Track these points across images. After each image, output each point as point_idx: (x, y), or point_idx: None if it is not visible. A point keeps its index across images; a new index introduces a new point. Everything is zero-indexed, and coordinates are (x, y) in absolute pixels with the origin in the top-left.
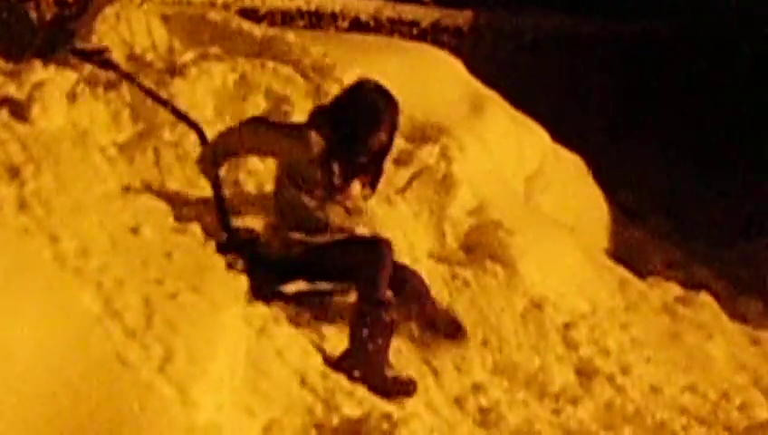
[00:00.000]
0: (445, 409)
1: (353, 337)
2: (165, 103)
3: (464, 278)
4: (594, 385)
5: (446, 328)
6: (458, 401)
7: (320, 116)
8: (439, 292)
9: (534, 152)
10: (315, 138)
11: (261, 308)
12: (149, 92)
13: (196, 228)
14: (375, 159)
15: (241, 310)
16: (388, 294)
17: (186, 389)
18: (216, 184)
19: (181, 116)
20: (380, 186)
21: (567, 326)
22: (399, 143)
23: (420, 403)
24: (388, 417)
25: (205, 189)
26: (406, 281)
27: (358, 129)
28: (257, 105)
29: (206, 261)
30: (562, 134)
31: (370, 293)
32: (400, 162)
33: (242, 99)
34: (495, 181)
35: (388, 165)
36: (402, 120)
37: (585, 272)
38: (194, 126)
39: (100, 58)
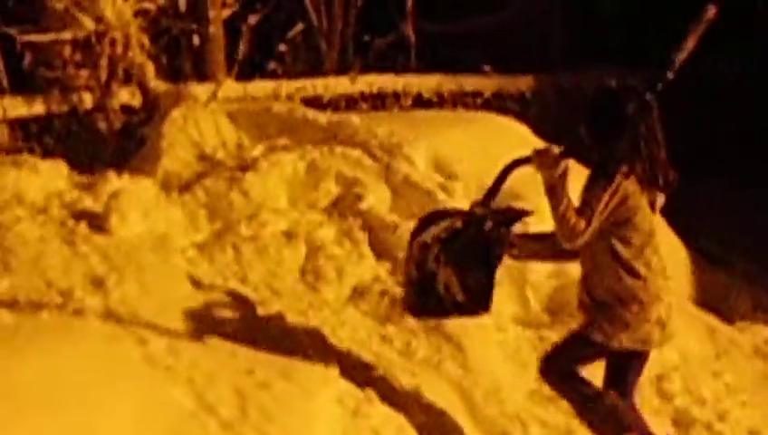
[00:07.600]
0: None
1: None
2: None
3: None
4: None
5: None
6: None
7: None
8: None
9: None
10: None
11: (353, 389)
12: None
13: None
14: None
15: (334, 393)
16: None
17: None
18: None
19: None
20: None
21: (660, 378)
22: None
23: None
24: None
25: (285, 280)
26: None
27: None
28: (329, 191)
29: (295, 346)
30: None
31: None
32: None
33: (313, 186)
34: None
35: None
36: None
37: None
38: None
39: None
